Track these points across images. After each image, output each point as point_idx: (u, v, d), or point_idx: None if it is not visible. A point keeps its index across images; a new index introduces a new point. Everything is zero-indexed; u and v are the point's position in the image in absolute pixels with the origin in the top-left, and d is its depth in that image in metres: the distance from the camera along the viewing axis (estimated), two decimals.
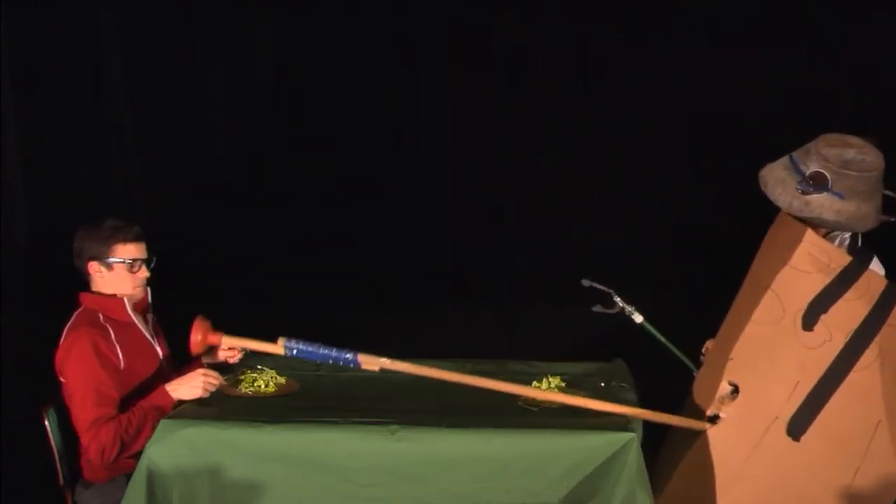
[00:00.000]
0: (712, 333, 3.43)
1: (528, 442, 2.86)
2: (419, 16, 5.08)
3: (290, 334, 4.80)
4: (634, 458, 2.80)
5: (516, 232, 5.31)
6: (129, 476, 3.17)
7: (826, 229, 3.14)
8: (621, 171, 5.09)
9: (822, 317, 2.87)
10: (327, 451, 2.88)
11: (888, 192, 3.12)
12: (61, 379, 3.19)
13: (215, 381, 3.15)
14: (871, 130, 3.25)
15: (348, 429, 2.89)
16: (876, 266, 3.09)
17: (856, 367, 2.86)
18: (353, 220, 5.22)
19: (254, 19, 5.15)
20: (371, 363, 3.04)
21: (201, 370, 3.18)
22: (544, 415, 3.08)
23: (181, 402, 3.13)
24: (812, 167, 3.04)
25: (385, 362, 3.04)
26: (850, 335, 2.86)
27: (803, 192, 3.03)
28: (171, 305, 4.35)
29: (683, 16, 5.01)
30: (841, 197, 3.01)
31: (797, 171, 3.07)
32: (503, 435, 2.87)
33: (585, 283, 3.56)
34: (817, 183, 3.02)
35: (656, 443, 3.28)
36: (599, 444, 2.83)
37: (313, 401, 3.19)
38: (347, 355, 3.05)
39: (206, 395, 3.14)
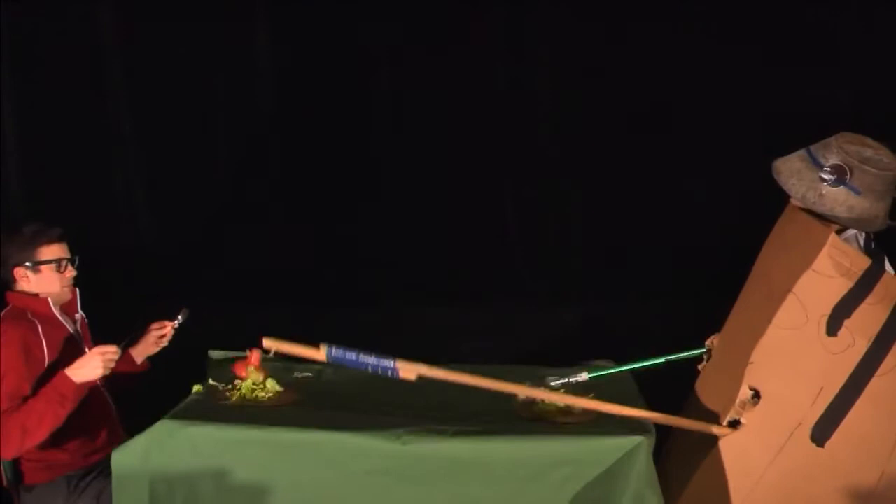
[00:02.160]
0: (714, 329, 3.42)
1: (535, 446, 2.84)
2: (419, 14, 5.08)
3: (290, 334, 4.83)
4: (644, 463, 2.77)
5: (516, 231, 5.30)
6: (68, 477, 3.17)
7: (837, 226, 3.14)
8: (622, 170, 5.09)
9: (846, 322, 2.86)
10: (333, 455, 2.86)
11: None
12: None
13: (114, 356, 3.11)
14: (872, 131, 3.26)
15: (354, 433, 2.87)
16: (887, 268, 3.09)
17: (878, 372, 2.84)
18: (352, 220, 5.21)
19: (254, 19, 5.15)
20: (409, 371, 2.97)
21: (97, 349, 3.12)
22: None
23: (85, 386, 3.10)
24: (832, 160, 3.05)
25: (423, 369, 2.98)
26: (872, 340, 2.85)
27: (822, 181, 3.03)
28: (170, 305, 4.37)
29: (684, 15, 5.00)
30: (857, 193, 3.02)
31: (815, 163, 3.07)
32: (510, 440, 2.85)
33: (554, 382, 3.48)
34: (837, 175, 3.03)
35: (660, 447, 3.26)
36: (608, 448, 2.80)
37: (315, 404, 3.18)
38: (387, 363, 3.00)
39: (108, 371, 3.10)
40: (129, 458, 2.86)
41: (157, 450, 2.86)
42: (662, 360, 3.46)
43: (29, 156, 4.94)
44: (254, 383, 3.28)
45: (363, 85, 5.18)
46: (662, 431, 3.18)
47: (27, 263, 3.27)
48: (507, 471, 2.83)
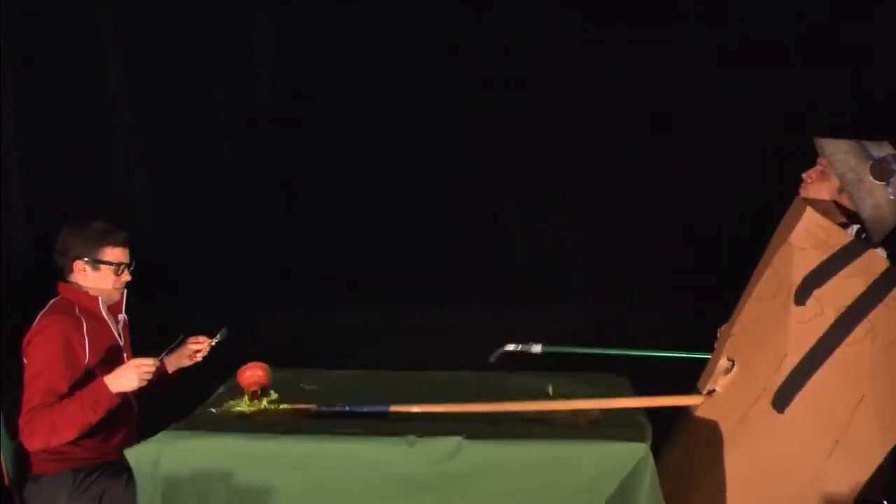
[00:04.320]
0: (716, 328, 3.43)
1: (549, 451, 2.80)
2: (418, 15, 5.08)
3: (291, 334, 4.83)
4: (652, 470, 2.78)
5: (516, 232, 5.31)
6: (75, 471, 3.19)
7: (843, 218, 3.15)
8: (622, 171, 5.09)
9: (816, 292, 2.85)
10: (346, 462, 2.80)
11: None
12: (24, 360, 3.21)
13: (150, 368, 3.11)
14: (872, 131, 3.26)
15: (366, 440, 2.82)
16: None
17: (845, 343, 2.84)
18: (352, 221, 5.22)
19: (254, 19, 5.15)
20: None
21: (134, 361, 3.13)
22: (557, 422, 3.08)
23: (120, 395, 3.13)
24: (884, 154, 3.08)
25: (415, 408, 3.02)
26: (841, 311, 2.85)
27: (871, 169, 3.04)
28: (170, 304, 4.37)
29: (684, 17, 5.00)
30: (891, 196, 3.04)
31: (864, 152, 3.08)
32: (525, 444, 2.81)
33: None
34: (886, 169, 3.05)
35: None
36: (623, 453, 2.78)
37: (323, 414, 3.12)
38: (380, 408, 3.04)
39: (144, 383, 3.10)
40: (143, 460, 2.85)
41: (171, 459, 2.83)
42: (668, 353, 3.45)
43: (29, 155, 4.94)
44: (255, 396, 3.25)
45: (364, 86, 5.18)
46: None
47: (88, 259, 3.31)
48: (525, 476, 2.81)
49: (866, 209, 3.05)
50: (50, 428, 3.06)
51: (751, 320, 2.93)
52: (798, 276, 2.88)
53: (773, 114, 4.86)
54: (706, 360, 3.45)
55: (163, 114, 5.07)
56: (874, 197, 3.05)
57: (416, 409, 3.03)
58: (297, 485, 2.83)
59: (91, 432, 3.21)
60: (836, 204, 3.18)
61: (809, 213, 2.89)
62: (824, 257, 2.87)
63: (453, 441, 2.82)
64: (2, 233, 4.79)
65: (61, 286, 3.36)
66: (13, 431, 3.19)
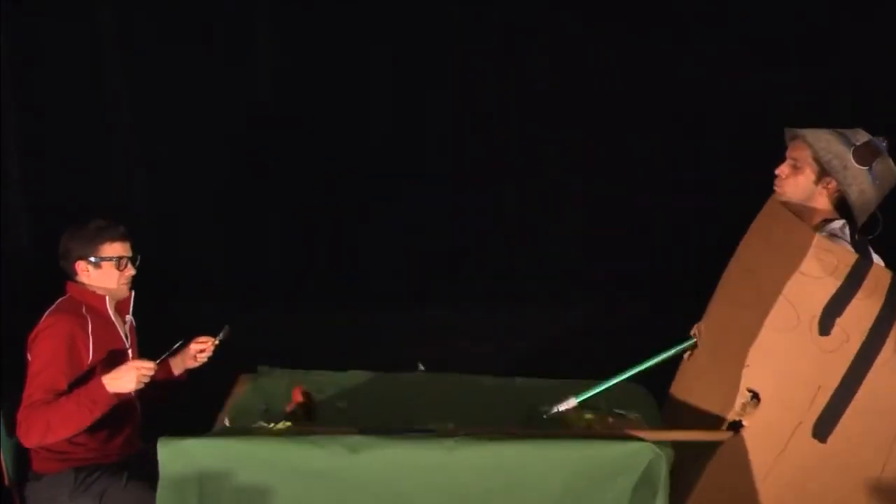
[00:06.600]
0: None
1: (566, 452, 2.80)
2: (418, 15, 5.09)
3: (290, 333, 4.83)
4: (662, 472, 2.78)
5: (515, 231, 5.31)
6: (77, 470, 3.20)
7: (825, 215, 3.14)
8: (622, 172, 5.09)
9: (838, 320, 2.87)
10: (377, 469, 2.78)
11: (876, 211, 3.14)
12: (28, 356, 3.21)
13: (149, 371, 3.13)
14: (872, 131, 3.27)
15: (398, 446, 2.79)
16: (874, 257, 3.10)
17: (876, 364, 2.85)
18: (352, 221, 5.22)
19: (254, 19, 5.16)
20: None
21: (133, 362, 3.17)
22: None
23: (118, 395, 3.13)
24: (863, 140, 3.09)
25: None
26: (865, 334, 2.86)
27: (854, 155, 3.05)
28: (170, 305, 4.37)
29: (682, 14, 5.01)
30: (873, 180, 3.05)
31: (845, 140, 3.09)
32: (538, 446, 2.80)
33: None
34: (868, 153, 3.06)
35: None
36: (631, 453, 2.79)
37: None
38: None
39: (142, 385, 3.13)
40: (176, 456, 2.81)
41: (204, 458, 2.78)
42: (652, 362, 3.39)
43: (29, 155, 4.95)
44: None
45: (364, 85, 5.19)
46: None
47: (90, 259, 3.31)
48: (569, 478, 2.78)
49: (853, 195, 3.07)
50: (46, 425, 3.07)
51: (769, 352, 2.89)
52: (816, 305, 2.86)
53: (774, 115, 4.85)
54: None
55: (163, 114, 5.07)
56: (859, 182, 3.06)
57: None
58: (323, 494, 2.78)
59: (94, 433, 3.22)
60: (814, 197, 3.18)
61: (819, 241, 2.87)
62: (839, 283, 2.86)
63: (492, 445, 2.76)
64: (1, 233, 4.80)
65: (70, 285, 3.38)
66: (12, 429, 3.20)
